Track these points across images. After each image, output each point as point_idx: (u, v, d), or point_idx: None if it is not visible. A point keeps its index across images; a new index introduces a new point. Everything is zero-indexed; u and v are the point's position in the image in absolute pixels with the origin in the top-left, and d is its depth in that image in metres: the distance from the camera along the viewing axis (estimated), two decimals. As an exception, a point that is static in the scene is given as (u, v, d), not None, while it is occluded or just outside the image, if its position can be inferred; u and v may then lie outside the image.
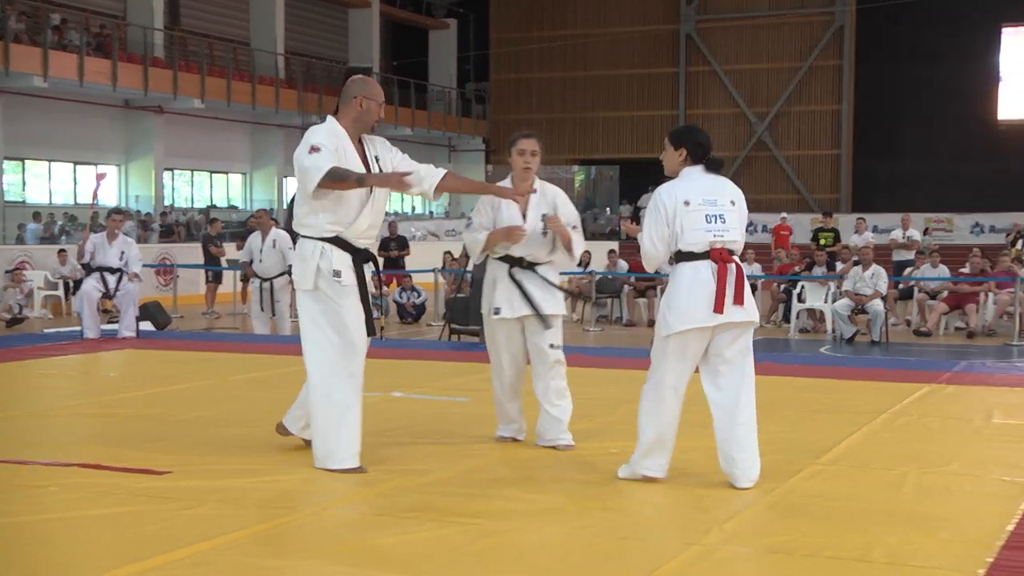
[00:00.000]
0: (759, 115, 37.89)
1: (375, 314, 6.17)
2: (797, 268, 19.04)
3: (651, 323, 18.16)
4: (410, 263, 22.05)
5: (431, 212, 39.79)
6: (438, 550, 4.58)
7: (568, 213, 6.74)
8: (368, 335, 6.02)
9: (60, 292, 20.56)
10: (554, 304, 6.71)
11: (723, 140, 38.70)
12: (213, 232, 21.37)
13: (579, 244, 6.78)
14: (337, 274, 5.93)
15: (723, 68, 38.19)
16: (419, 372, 10.19)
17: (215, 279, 20.52)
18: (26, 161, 26.98)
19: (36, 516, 5.02)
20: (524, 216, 6.69)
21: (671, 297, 5.66)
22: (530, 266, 6.76)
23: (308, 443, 6.23)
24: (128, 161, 28.81)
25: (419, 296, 19.55)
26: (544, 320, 6.63)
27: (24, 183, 27.26)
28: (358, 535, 4.77)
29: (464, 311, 13.73)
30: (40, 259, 21.07)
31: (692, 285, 5.58)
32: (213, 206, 30.99)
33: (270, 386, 9.14)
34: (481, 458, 6.34)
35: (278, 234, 13.44)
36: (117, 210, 14.79)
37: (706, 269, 5.58)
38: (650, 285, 18.96)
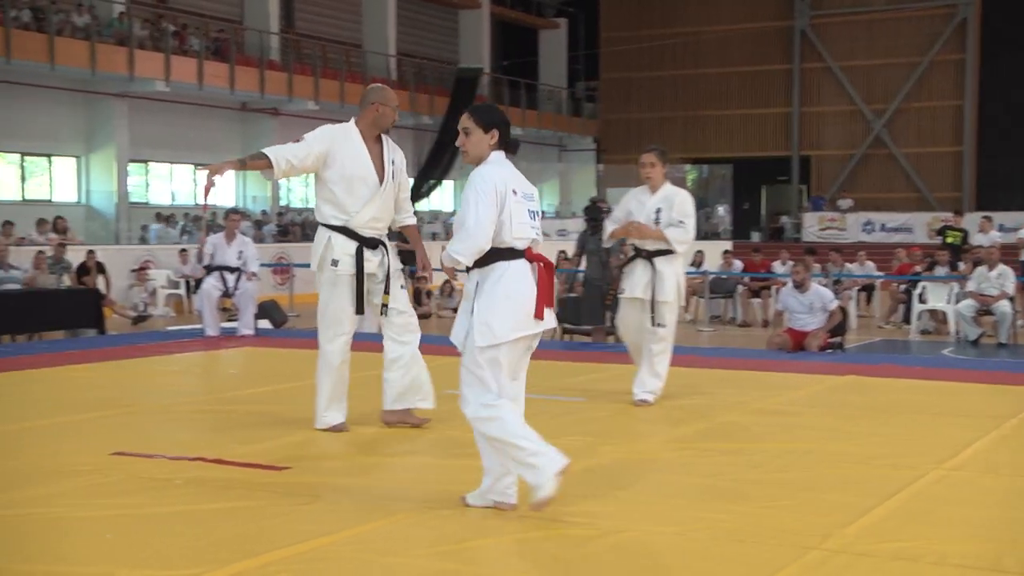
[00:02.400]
0: (876, 112, 37.13)
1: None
2: (918, 268, 18.61)
3: (766, 323, 17.93)
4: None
5: (543, 212, 39.79)
6: (550, 550, 4.56)
7: (676, 211, 8.11)
8: (356, 313, 6.93)
9: (182, 291, 21.07)
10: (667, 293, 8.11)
11: (838, 138, 38.06)
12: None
13: (675, 231, 8.08)
14: (335, 263, 6.76)
15: (838, 64, 37.51)
16: (532, 371, 10.13)
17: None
18: (149, 163, 27.70)
19: (161, 508, 5.13)
20: (655, 211, 8.13)
21: (496, 303, 4.96)
22: (649, 256, 8.15)
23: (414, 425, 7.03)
24: (245, 162, 29.34)
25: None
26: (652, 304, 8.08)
27: (147, 184, 28.01)
28: (471, 534, 4.78)
29: (576, 311, 13.69)
30: (163, 259, 21.63)
31: (518, 287, 4.99)
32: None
33: (378, 384, 9.20)
34: (595, 458, 6.30)
35: None
36: (234, 210, 15.08)
37: (528, 270, 5.06)
38: (764, 285, 18.72)
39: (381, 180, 6.81)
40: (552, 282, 5.19)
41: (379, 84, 7.21)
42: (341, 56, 31.01)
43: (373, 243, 6.88)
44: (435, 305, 20.47)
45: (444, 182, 32.78)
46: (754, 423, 7.50)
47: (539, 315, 5.00)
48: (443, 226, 33.04)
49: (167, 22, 26.44)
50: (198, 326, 13.85)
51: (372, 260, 6.88)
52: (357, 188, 6.73)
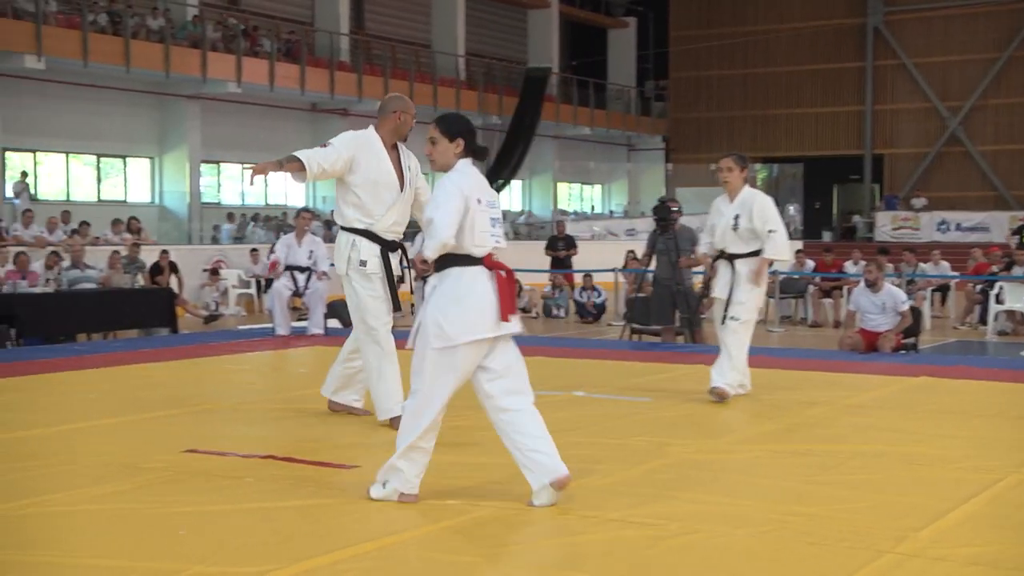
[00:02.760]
0: (952, 109, 36.56)
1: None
2: (995, 268, 18.27)
3: (837, 324, 17.71)
4: (589, 262, 22.04)
5: (611, 212, 39.72)
6: (619, 551, 4.53)
7: (762, 220, 8.27)
8: (394, 311, 7.14)
9: (253, 290, 21.30)
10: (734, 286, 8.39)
11: (913, 136, 37.52)
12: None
13: (773, 245, 8.27)
14: (363, 263, 6.99)
15: (913, 61, 36.99)
16: (600, 372, 10.16)
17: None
18: (221, 164, 28.05)
19: (232, 506, 5.19)
20: (733, 217, 8.36)
21: (449, 305, 5.08)
22: (730, 258, 8.42)
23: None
24: (316, 162, 29.62)
25: (599, 296, 19.53)
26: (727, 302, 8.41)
27: (219, 185, 28.37)
28: (540, 534, 4.77)
29: (645, 311, 13.63)
30: (234, 258, 21.89)
31: (473, 292, 5.10)
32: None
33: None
34: (664, 458, 6.27)
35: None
36: (305, 209, 15.19)
37: (484, 275, 5.15)
38: (836, 285, 18.49)
39: (401, 186, 7.07)
40: (513, 288, 5.26)
41: (398, 94, 7.53)
42: (410, 56, 31.18)
43: (393, 246, 7.15)
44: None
45: (512, 182, 32.84)
46: (825, 424, 7.42)
47: (503, 318, 5.11)
48: (511, 226, 33.09)
49: (239, 24, 26.76)
50: (269, 325, 13.98)
51: (393, 262, 7.15)
52: (381, 193, 6.99)
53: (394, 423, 6.77)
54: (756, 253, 8.34)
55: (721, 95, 40.03)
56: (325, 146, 6.90)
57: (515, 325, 5.18)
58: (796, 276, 18.97)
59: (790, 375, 9.85)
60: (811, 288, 18.86)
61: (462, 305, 5.09)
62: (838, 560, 4.43)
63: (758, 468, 6.08)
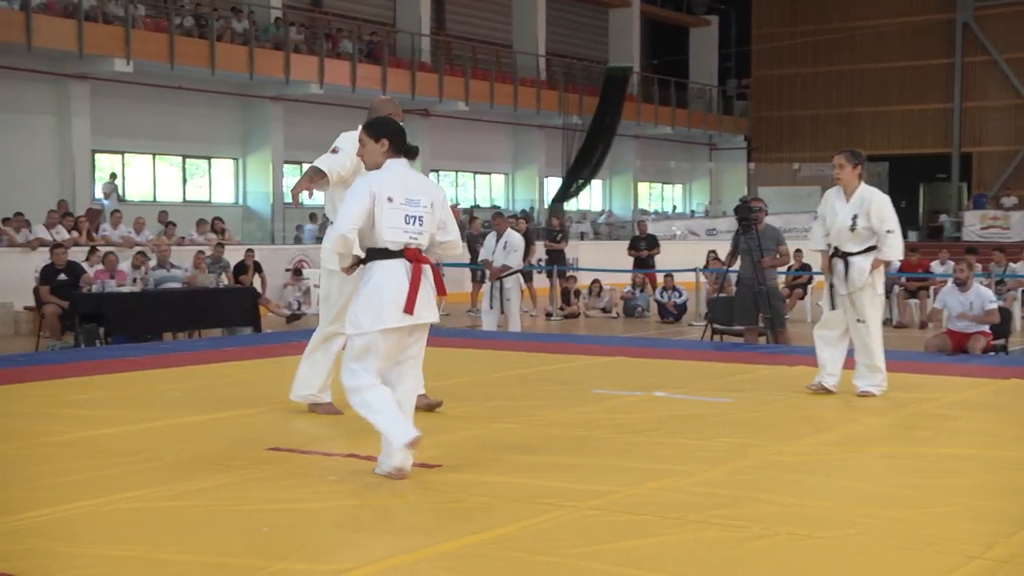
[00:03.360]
0: (1043, 106, 35.76)
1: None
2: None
3: (923, 324, 17.40)
4: (670, 262, 21.91)
5: (692, 211, 39.46)
6: (700, 552, 4.49)
7: (880, 219, 8.31)
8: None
9: (334, 290, 21.44)
10: (850, 285, 8.37)
11: (1003, 133, 36.76)
12: (475, 231, 21.85)
13: (889, 247, 8.34)
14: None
15: (1004, 57, 36.22)
16: (681, 372, 10.08)
17: (482, 279, 20.95)
18: (303, 164, 28.34)
19: (314, 504, 5.23)
20: (851, 217, 8.35)
21: (364, 296, 5.56)
22: (844, 256, 8.39)
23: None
24: (397, 163, 29.84)
25: (680, 296, 19.40)
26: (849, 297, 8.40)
27: (302, 186, 28.63)
28: (621, 534, 4.74)
29: (728, 311, 13.50)
30: (316, 258, 22.03)
31: (388, 285, 5.52)
32: (476, 206, 31.72)
33: (529, 383, 9.25)
34: (746, 459, 6.20)
35: (510, 235, 14.04)
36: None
37: (401, 269, 5.55)
38: (922, 286, 18.17)
39: None
40: (419, 280, 5.58)
41: (388, 96, 7.89)
42: (491, 57, 31.26)
43: None
44: (583, 305, 20.44)
45: (592, 182, 32.76)
46: (911, 426, 7.29)
47: (407, 310, 5.50)
48: (591, 226, 33.01)
49: (321, 26, 27.03)
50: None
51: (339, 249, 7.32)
52: None
53: (311, 408, 7.49)
54: (869, 250, 8.36)
55: (804, 93, 39.57)
56: (335, 152, 7.13)
57: (426, 316, 5.60)
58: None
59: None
60: (896, 288, 18.55)
61: (375, 297, 5.53)
62: (926, 565, 4.34)
63: (843, 470, 5.98)
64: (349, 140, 7.07)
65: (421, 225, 5.62)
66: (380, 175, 5.64)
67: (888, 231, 8.31)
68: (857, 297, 8.37)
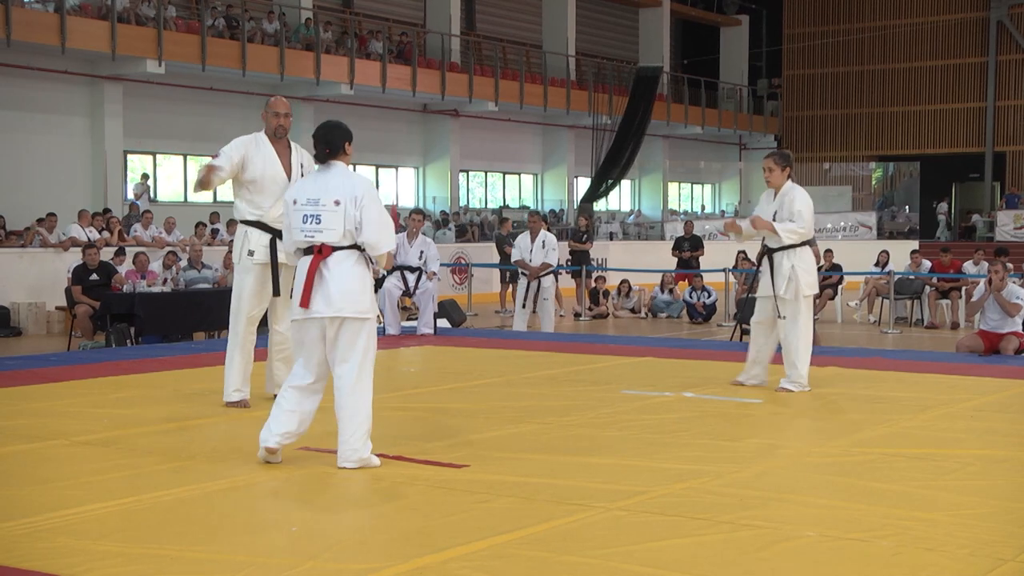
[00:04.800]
0: (1078, 106, 35.42)
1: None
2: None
3: (955, 326, 17.29)
4: (701, 263, 21.87)
5: (722, 211, 39.32)
6: (730, 553, 4.48)
7: (791, 210, 8.53)
8: (274, 295, 7.78)
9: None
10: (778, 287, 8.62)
11: (1037, 133, 36.43)
12: (505, 232, 21.86)
13: (783, 228, 8.48)
14: (251, 253, 7.70)
15: (1038, 56, 35.91)
16: (710, 373, 10.05)
17: (511, 279, 20.96)
18: (334, 165, 28.42)
19: (344, 503, 5.25)
20: (772, 213, 8.65)
21: (294, 288, 6.02)
22: (769, 252, 8.70)
23: None
24: (426, 163, 29.93)
25: (709, 296, 19.34)
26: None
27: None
28: (650, 534, 4.73)
29: (756, 311, 13.43)
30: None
31: (296, 281, 5.97)
32: (506, 206, 31.73)
33: (559, 383, 9.25)
34: (775, 460, 6.18)
35: (545, 235, 14.10)
36: (417, 210, 15.34)
37: (304, 265, 5.91)
38: (954, 286, 18.04)
39: (289, 179, 7.76)
40: (313, 274, 5.84)
41: (275, 97, 8.37)
42: (521, 57, 31.26)
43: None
44: (611, 305, 20.41)
45: (622, 182, 32.70)
46: (943, 428, 7.23)
47: (302, 303, 5.84)
48: (620, 226, 32.96)
49: (351, 26, 27.10)
50: (379, 324, 14.11)
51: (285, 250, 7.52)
52: (268, 187, 7.73)
53: (229, 406, 7.77)
54: (790, 247, 8.59)
55: (836, 92, 39.36)
56: (216, 156, 7.65)
57: (321, 310, 5.80)
58: (912, 277, 18.55)
59: (905, 377, 9.63)
60: (928, 289, 18.42)
61: (295, 290, 5.94)
62: (957, 567, 4.31)
63: (873, 472, 5.95)
64: (235, 144, 7.73)
65: (318, 223, 5.87)
66: (298, 183, 6.35)
67: (791, 220, 8.52)
68: (780, 295, 8.62)
